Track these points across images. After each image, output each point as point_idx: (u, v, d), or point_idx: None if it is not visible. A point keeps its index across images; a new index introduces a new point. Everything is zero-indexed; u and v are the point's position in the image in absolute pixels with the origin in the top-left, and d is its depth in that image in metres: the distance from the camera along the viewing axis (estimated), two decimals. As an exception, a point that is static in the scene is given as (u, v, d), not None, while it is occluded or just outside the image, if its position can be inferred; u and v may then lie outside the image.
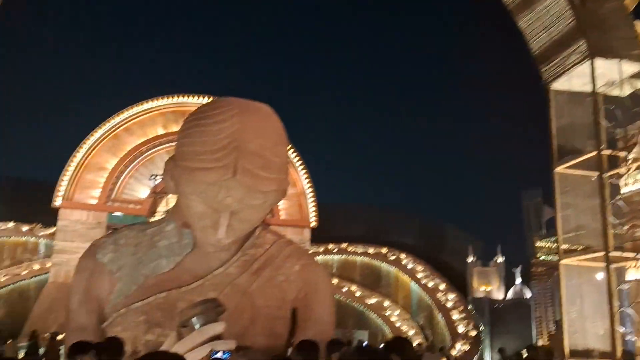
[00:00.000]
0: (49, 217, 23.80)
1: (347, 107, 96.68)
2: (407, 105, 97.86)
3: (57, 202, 23.32)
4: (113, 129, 24.20)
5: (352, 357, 5.35)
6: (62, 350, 13.67)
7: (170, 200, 21.90)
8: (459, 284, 27.73)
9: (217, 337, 7.49)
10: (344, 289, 25.95)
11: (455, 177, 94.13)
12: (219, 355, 3.61)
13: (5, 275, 23.48)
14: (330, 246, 27.58)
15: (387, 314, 26.22)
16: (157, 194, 24.17)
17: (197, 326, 7.70)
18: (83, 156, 23.65)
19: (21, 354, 15.88)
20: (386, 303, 26.56)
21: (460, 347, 24.39)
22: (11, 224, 24.57)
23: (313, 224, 25.49)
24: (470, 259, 29.22)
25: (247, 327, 8.84)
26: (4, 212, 24.60)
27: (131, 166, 24.39)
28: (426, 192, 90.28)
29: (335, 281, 24.58)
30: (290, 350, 9.07)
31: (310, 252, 22.64)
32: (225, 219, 8.84)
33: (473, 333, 25.14)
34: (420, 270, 27.34)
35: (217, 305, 7.91)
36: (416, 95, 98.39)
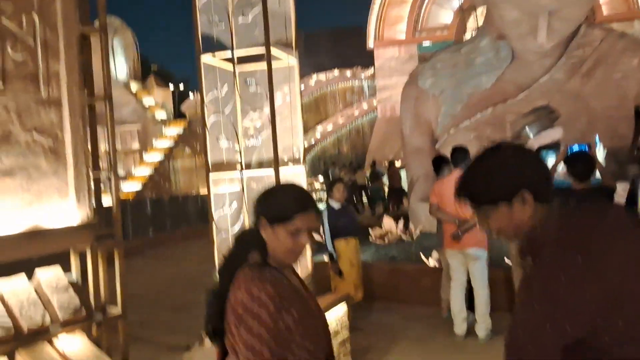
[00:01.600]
0: (367, 59, 25.53)
1: None
2: None
3: (370, 43, 24.70)
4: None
5: None
6: (402, 172, 15.20)
7: (479, 15, 21.11)
8: None
9: (555, 144, 7.25)
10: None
11: None
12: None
13: (341, 118, 26.60)
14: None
15: None
16: (463, 12, 23.51)
17: (531, 135, 7.55)
18: (384, -6, 24.12)
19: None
20: None
21: None
22: (336, 72, 27.22)
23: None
24: None
25: (584, 132, 8.35)
26: (328, 62, 27.29)
27: (430, -8, 24.00)
28: None
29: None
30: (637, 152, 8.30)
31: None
32: (544, 21, 8.14)
33: None
34: None
35: (550, 112, 7.58)
36: None
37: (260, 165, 3.63)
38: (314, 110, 26.89)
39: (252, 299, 1.62)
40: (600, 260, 1.21)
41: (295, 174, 3.84)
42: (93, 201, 2.73)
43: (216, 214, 3.81)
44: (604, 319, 1.23)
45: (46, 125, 2.54)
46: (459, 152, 5.27)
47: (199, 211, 17.19)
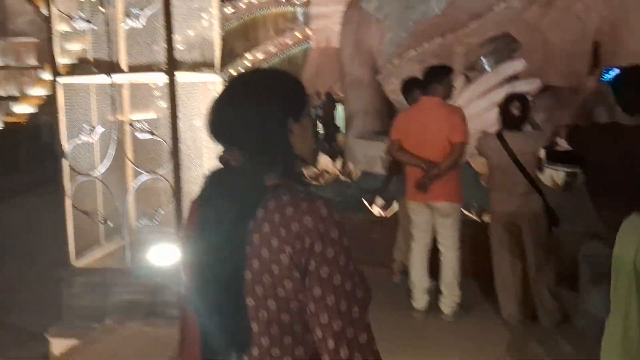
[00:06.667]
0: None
1: None
2: None
3: (306, -33, 23.12)
4: None
5: None
6: (338, 104, 14.45)
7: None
8: None
9: (515, 78, 6.52)
10: None
11: None
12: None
13: (273, 47, 25.12)
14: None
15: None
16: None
17: (487, 67, 6.74)
18: None
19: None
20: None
21: None
22: (269, -4, 25.52)
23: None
24: None
25: (540, 67, 7.70)
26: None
27: None
28: None
29: None
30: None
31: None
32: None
33: None
34: None
35: (510, 41, 6.78)
36: None
37: (149, 68, 2.58)
38: (243, 37, 25.22)
39: (323, 220, 1.25)
40: None
41: (208, 84, 2.84)
42: None
43: (70, 144, 2.75)
44: None
45: None
46: (439, 72, 4.07)
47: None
